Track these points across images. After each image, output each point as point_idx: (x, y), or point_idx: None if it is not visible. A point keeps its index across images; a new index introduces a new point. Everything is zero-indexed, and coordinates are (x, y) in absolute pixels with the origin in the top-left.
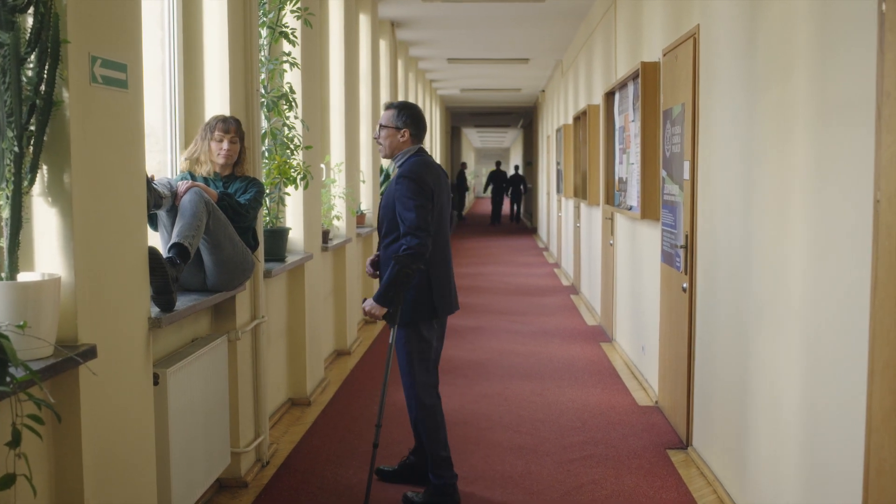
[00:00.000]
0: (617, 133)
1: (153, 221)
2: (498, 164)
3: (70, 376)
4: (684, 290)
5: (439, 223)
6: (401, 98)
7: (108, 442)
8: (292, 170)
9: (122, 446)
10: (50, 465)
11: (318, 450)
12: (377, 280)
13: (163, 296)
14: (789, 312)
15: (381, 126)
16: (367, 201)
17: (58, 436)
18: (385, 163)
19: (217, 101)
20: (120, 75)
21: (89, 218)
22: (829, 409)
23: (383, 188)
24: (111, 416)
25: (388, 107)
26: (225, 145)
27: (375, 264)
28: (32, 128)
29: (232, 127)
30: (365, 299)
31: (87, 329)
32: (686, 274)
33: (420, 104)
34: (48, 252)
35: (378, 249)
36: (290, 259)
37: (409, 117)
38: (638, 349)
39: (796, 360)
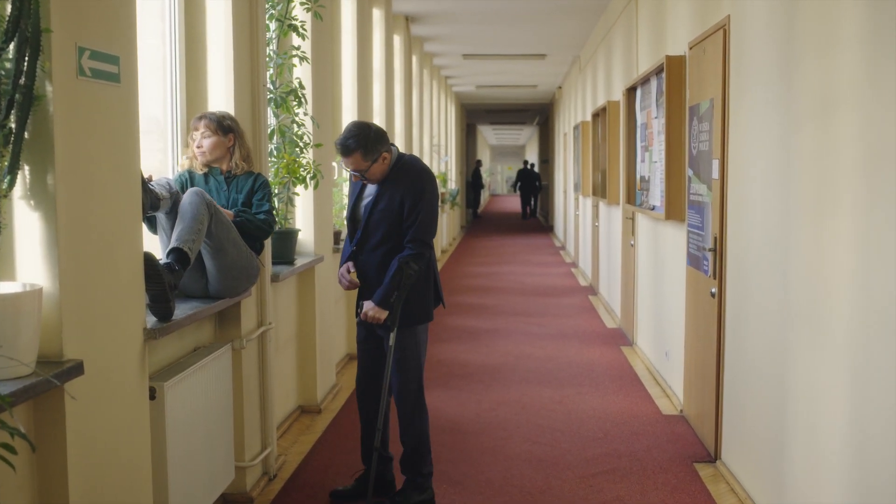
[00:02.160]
0: (638, 130)
1: (152, 224)
2: (525, 162)
3: (53, 396)
4: (713, 295)
5: None
6: (414, 95)
7: (98, 465)
8: (302, 168)
9: (115, 468)
10: (32, 496)
11: (328, 461)
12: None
13: (159, 304)
14: (833, 321)
15: (360, 172)
16: None
17: (40, 463)
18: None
19: (221, 96)
20: (111, 68)
21: (76, 222)
22: (881, 427)
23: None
24: (102, 437)
25: (347, 152)
26: (197, 140)
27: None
28: (12, 125)
29: (202, 122)
30: (362, 303)
31: (74, 343)
32: (715, 278)
33: (435, 101)
34: (30, 260)
35: (359, 255)
36: (300, 262)
37: (372, 143)
38: (661, 354)
39: (841, 372)
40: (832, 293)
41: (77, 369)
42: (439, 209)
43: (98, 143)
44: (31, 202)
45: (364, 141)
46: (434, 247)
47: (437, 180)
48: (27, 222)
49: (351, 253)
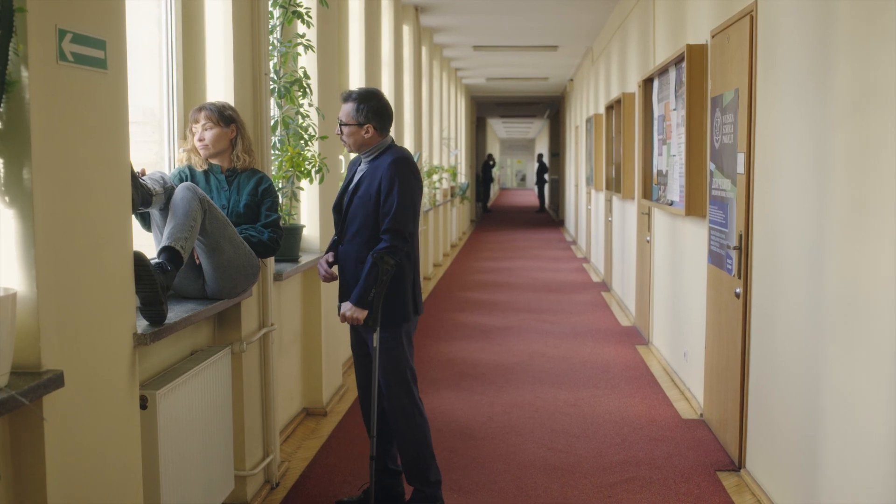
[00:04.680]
0: (656, 122)
1: (146, 221)
2: (539, 156)
3: (30, 410)
4: (737, 295)
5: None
6: (424, 87)
7: (82, 482)
8: (306, 162)
9: (101, 484)
10: None
11: (333, 468)
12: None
13: (151, 307)
14: (872, 322)
15: (343, 125)
16: None
17: (17, 485)
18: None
19: (220, 85)
20: (97, 53)
21: (56, 220)
22: None
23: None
24: (86, 452)
25: (347, 98)
26: (198, 133)
27: (332, 264)
28: None
29: (202, 113)
30: (340, 304)
31: (54, 352)
32: (739, 278)
33: (444, 93)
34: (4, 262)
35: (340, 246)
36: (305, 259)
37: (370, 110)
38: (678, 355)
39: (882, 376)
40: (872, 293)
41: (56, 381)
42: (421, 202)
43: (82, 135)
44: (6, 198)
45: (366, 99)
46: (416, 241)
47: (447, 174)
48: (0, 220)
49: (333, 243)
